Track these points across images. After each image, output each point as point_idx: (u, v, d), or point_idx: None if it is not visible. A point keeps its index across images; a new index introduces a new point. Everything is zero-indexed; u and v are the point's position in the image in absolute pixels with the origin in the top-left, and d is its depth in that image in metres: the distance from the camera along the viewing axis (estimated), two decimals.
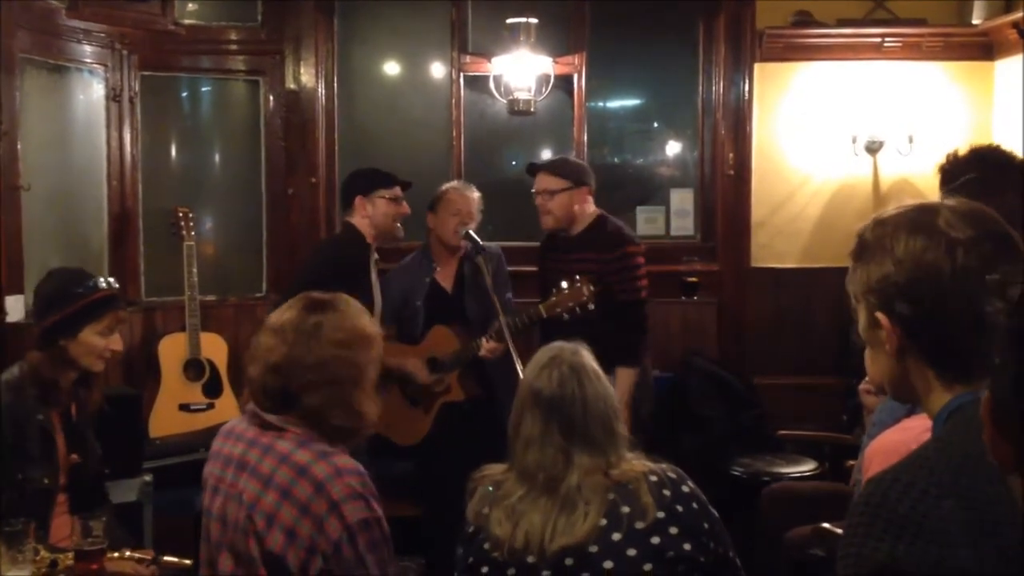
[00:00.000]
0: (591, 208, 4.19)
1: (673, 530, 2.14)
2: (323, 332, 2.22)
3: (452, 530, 2.57)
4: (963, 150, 2.95)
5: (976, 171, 2.74)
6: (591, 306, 3.77)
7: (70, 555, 2.47)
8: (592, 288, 3.78)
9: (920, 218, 1.39)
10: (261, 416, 2.24)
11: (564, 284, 3.82)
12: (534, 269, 4.48)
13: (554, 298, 3.82)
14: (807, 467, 4.51)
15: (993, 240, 1.36)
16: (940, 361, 1.38)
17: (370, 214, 4.07)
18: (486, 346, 4.02)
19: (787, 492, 4.00)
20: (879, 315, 1.40)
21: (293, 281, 4.05)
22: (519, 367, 3.75)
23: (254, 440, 2.24)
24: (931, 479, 1.19)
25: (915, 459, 1.25)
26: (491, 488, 2.25)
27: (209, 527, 2.29)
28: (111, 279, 3.01)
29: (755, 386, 5.10)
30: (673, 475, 2.22)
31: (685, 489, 2.21)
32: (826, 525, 3.13)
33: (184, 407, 4.65)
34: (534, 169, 4.22)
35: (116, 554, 2.60)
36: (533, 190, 4.19)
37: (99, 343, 2.86)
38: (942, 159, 2.96)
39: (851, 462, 3.58)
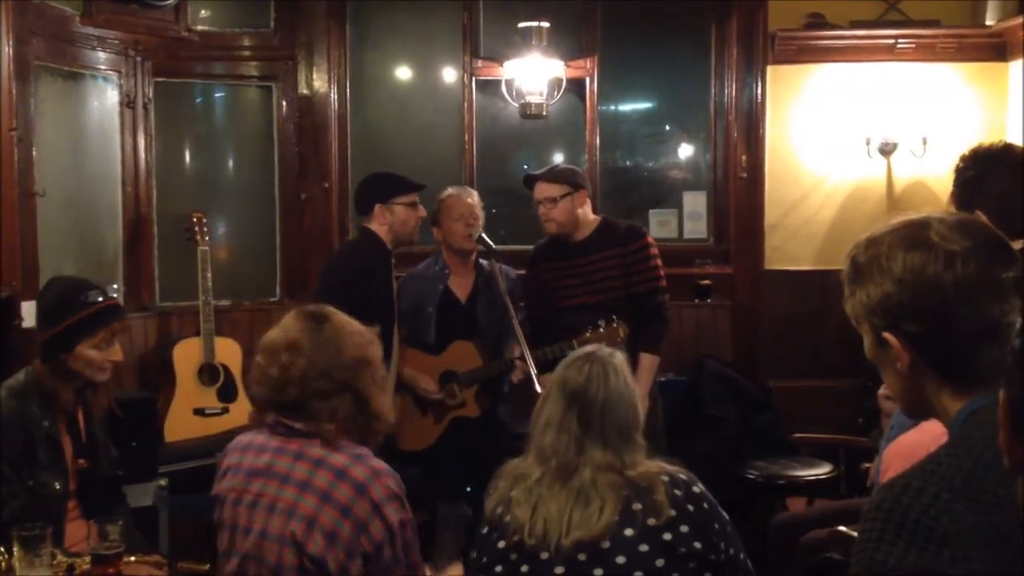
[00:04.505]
0: (591, 212, 4.19)
1: (684, 528, 2.20)
2: (340, 338, 2.30)
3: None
4: (968, 149, 2.97)
5: (974, 168, 2.76)
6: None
7: (87, 559, 2.48)
8: (627, 330, 3.80)
9: (913, 234, 1.38)
10: (286, 424, 2.28)
11: (600, 323, 3.82)
12: None
13: (588, 335, 3.79)
14: (822, 470, 4.48)
15: (988, 247, 1.36)
16: (952, 372, 1.37)
17: (389, 221, 4.05)
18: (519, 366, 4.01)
19: (795, 520, 3.94)
20: (887, 335, 1.39)
21: (319, 288, 4.05)
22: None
23: (280, 448, 2.28)
24: (942, 483, 1.20)
25: (927, 464, 1.25)
26: (511, 480, 2.31)
27: (233, 540, 2.29)
28: (113, 286, 2.99)
29: (769, 389, 5.09)
30: (684, 476, 2.28)
31: (696, 490, 2.27)
32: (842, 528, 3.12)
33: (199, 411, 4.67)
34: (531, 180, 4.20)
35: (133, 558, 2.61)
36: (535, 200, 4.17)
37: (96, 356, 2.84)
38: (957, 160, 2.97)
39: (867, 465, 3.57)
